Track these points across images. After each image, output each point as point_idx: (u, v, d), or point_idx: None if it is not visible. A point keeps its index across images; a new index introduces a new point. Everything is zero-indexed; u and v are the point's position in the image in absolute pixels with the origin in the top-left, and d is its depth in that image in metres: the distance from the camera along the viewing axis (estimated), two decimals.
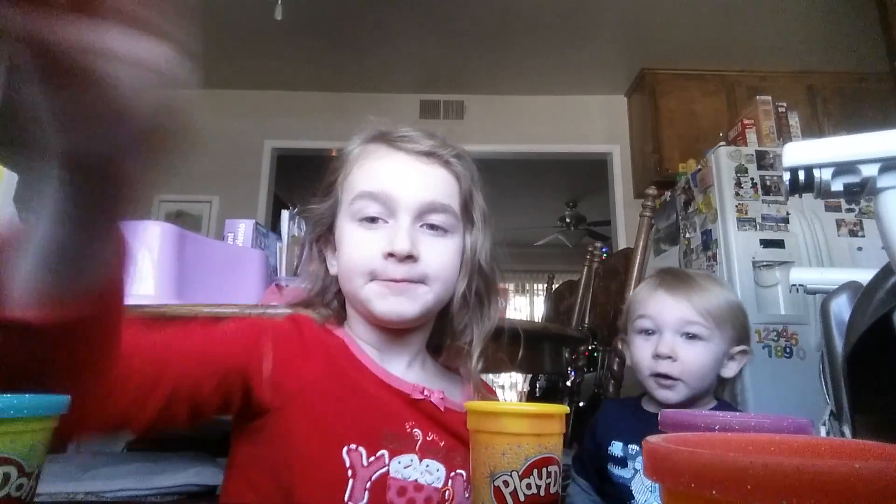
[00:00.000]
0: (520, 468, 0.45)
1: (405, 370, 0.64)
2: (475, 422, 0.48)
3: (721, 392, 0.90)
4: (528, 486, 0.45)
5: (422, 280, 0.60)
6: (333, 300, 0.67)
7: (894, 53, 2.36)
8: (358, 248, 0.60)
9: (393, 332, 0.63)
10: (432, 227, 0.61)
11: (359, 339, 0.64)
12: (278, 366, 0.56)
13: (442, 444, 0.59)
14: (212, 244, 1.21)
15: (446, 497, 0.58)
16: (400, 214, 0.59)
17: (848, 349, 0.76)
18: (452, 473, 0.59)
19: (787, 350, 2.25)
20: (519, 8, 3.05)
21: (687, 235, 2.77)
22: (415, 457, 0.57)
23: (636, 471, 0.78)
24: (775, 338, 2.26)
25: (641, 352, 0.86)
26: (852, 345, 0.74)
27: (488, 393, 0.69)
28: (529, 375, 1.98)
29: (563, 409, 0.48)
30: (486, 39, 3.33)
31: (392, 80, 3.76)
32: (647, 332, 0.86)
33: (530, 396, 2.02)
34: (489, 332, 0.67)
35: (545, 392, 1.91)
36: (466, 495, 0.59)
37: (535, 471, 0.45)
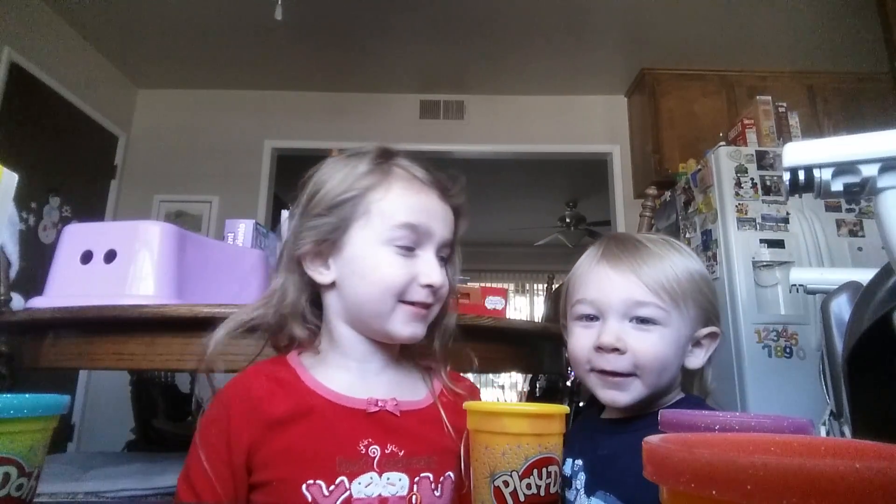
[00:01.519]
0: (520, 468, 0.45)
1: (379, 374, 0.68)
2: (475, 422, 0.48)
3: (689, 386, 0.72)
4: (528, 486, 0.45)
5: (437, 302, 0.67)
6: (309, 312, 0.70)
7: (894, 53, 2.36)
8: (395, 274, 0.64)
9: (383, 343, 0.67)
10: (439, 256, 0.68)
11: (336, 353, 0.67)
12: (243, 443, 0.61)
13: (402, 453, 0.62)
14: (212, 244, 1.21)
15: (413, 502, 0.61)
16: (427, 247, 0.66)
17: (848, 349, 0.76)
18: (417, 478, 0.62)
19: (787, 350, 2.25)
20: (519, 8, 3.05)
21: (687, 235, 2.77)
22: (374, 474, 0.60)
23: (577, 490, 0.64)
24: (775, 338, 2.26)
25: (580, 342, 0.68)
26: (852, 345, 0.74)
27: (456, 384, 0.71)
28: (529, 375, 1.98)
29: (563, 409, 0.48)
30: (486, 39, 3.32)
31: (392, 80, 3.76)
32: (589, 318, 0.68)
33: (530, 396, 2.02)
34: (450, 337, 0.73)
35: (545, 392, 1.91)
36: (437, 493, 0.62)
37: (535, 471, 0.45)
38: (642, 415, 0.66)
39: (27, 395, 0.35)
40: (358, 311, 0.66)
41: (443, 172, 0.70)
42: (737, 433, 0.36)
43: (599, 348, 0.65)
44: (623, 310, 0.65)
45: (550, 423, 0.47)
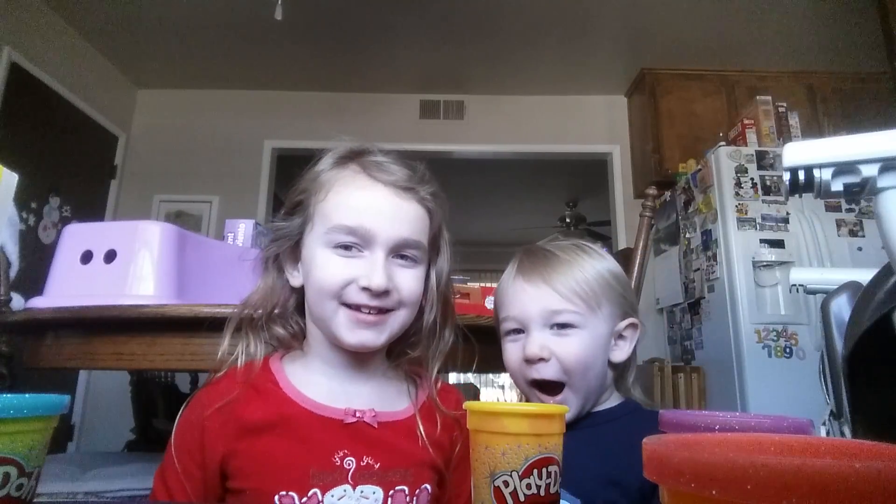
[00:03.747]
0: (520, 468, 0.45)
1: (359, 383, 0.66)
2: (475, 422, 0.48)
3: (625, 386, 0.75)
4: (528, 486, 0.45)
5: (392, 308, 0.63)
6: (294, 314, 0.69)
7: (894, 53, 2.36)
8: (331, 275, 0.61)
9: (355, 353, 0.65)
10: (402, 256, 0.64)
11: (317, 357, 0.66)
12: (217, 450, 0.60)
13: (377, 466, 0.61)
14: (212, 244, 1.21)
15: None
16: (376, 248, 0.62)
17: (848, 349, 0.76)
18: (391, 492, 0.60)
19: (787, 350, 2.25)
20: (519, 8, 3.05)
21: (687, 235, 2.77)
22: (348, 486, 0.59)
23: None
24: (775, 338, 2.26)
25: (512, 356, 0.72)
26: (852, 345, 0.74)
27: (442, 400, 0.69)
28: None
29: (564, 409, 0.48)
30: (486, 39, 3.32)
31: (392, 80, 3.76)
32: (516, 332, 0.72)
33: None
34: (444, 352, 0.70)
35: None
36: None
37: (535, 471, 0.45)
38: (578, 420, 0.69)
39: (27, 395, 0.35)
40: (314, 315, 0.65)
41: (409, 170, 0.66)
42: (737, 433, 0.36)
43: (527, 360, 0.69)
44: (542, 320, 0.69)
45: (550, 423, 0.47)
